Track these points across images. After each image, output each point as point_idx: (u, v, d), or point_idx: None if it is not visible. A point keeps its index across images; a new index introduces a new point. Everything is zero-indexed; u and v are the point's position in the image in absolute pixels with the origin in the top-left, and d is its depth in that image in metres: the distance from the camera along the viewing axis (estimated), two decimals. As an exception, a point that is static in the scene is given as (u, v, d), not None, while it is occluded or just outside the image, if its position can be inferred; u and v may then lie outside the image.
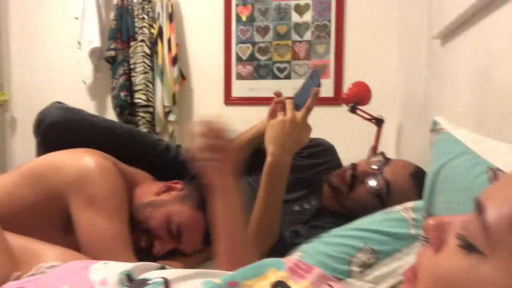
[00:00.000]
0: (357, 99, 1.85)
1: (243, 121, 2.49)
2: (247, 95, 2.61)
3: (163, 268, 0.52)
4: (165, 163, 1.26)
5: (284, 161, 0.98)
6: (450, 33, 1.27)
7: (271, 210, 1.00)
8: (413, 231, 0.81)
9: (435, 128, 0.98)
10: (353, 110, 1.87)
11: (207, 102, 2.70)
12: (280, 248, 1.01)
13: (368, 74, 2.30)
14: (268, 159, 0.99)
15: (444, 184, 0.74)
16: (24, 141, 2.86)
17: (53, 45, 2.85)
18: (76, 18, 2.66)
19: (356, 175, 1.09)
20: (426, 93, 1.64)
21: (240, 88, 2.62)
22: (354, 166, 1.11)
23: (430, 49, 1.58)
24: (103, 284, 0.44)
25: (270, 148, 0.98)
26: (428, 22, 1.59)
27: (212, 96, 2.67)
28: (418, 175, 1.03)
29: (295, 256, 0.91)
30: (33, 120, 1.13)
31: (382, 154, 1.11)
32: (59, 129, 1.10)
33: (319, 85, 0.94)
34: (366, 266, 0.80)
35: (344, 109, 1.98)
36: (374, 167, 1.07)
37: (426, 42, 1.65)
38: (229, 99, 2.64)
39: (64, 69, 2.81)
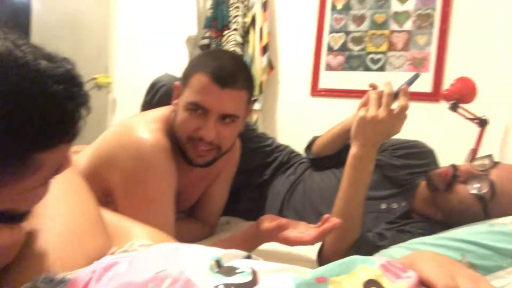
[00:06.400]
0: (460, 96, 1.69)
1: (329, 113, 2.47)
2: (335, 87, 2.52)
3: (249, 257, 0.52)
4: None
5: (369, 154, 0.97)
6: None
7: (353, 203, 0.98)
8: (523, 248, 0.72)
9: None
10: (454, 108, 1.71)
11: (292, 93, 2.67)
12: (361, 247, 0.97)
13: (472, 70, 2.09)
14: (353, 150, 0.98)
15: None
16: (123, 120, 3.10)
17: (155, 32, 3.03)
18: (176, 6, 2.80)
19: (457, 175, 0.99)
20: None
21: (328, 80, 2.54)
22: (455, 166, 1.02)
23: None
24: (194, 269, 0.45)
25: (356, 141, 0.97)
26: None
27: (298, 86, 2.64)
28: None
29: (380, 259, 0.86)
30: (131, 101, 1.23)
31: (490, 156, 0.99)
32: (168, 91, 1.21)
33: (409, 85, 0.98)
34: (463, 281, 0.72)
35: (442, 106, 1.84)
36: (480, 169, 0.97)
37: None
38: (315, 91, 2.58)
39: (162, 56, 2.98)
